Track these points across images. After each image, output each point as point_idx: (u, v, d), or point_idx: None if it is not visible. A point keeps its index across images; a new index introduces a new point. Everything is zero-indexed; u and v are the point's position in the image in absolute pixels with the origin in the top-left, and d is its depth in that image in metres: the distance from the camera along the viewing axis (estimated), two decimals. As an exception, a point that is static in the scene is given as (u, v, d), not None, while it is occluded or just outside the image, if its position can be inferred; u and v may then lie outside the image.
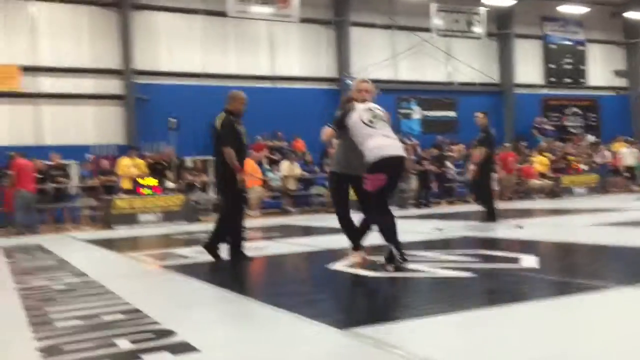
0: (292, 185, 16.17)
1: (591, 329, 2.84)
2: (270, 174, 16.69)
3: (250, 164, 16.71)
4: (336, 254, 6.05)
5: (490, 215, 9.17)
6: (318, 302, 3.85)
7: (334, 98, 20.48)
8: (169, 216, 13.36)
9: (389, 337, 2.76)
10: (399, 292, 4.22)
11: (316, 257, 6.31)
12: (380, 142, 4.79)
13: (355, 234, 5.27)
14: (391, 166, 4.78)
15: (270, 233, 9.67)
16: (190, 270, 5.50)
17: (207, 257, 6.13)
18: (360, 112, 4.92)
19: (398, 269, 4.54)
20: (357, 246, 5.24)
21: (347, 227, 5.28)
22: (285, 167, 16.30)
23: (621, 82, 25.82)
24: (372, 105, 5.07)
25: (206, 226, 12.53)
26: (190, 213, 13.95)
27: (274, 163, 17.32)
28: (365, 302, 3.94)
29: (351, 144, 5.00)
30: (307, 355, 2.60)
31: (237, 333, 3.07)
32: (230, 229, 6.07)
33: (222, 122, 5.95)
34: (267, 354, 2.65)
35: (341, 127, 5.03)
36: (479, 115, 9.61)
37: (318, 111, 20.05)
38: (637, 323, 2.89)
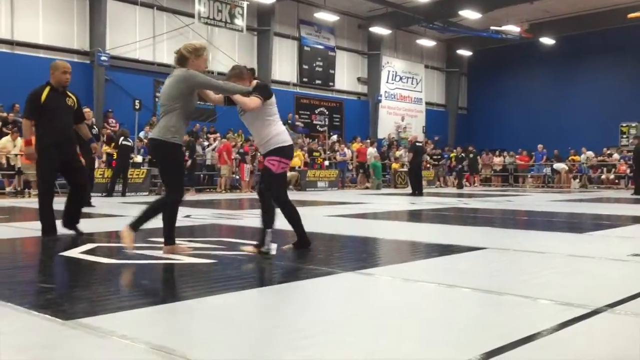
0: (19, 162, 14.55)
1: (315, 309, 3.07)
2: None
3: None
4: (71, 240, 5.61)
5: None
6: (43, 292, 3.51)
7: (84, 72, 19.02)
8: None
9: (118, 326, 2.62)
10: (138, 280, 4.06)
11: (48, 243, 5.75)
12: (284, 128, 4.99)
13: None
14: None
15: (-4, 216, 8.58)
16: None
17: None
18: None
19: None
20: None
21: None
22: (2, 143, 14.64)
23: (363, 89, 28.69)
24: None
25: None
26: None
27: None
28: (99, 291, 3.70)
29: (191, 112, 4.81)
30: (17, 348, 2.32)
31: None
32: (50, 202, 5.87)
33: (29, 94, 5.78)
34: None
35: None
36: None
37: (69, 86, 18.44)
38: (356, 303, 3.20)
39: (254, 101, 4.69)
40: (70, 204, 6.03)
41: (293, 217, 4.97)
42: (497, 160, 26.78)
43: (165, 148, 4.66)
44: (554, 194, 18.34)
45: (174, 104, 4.62)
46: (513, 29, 27.17)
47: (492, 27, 27.41)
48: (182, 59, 4.69)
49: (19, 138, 14.21)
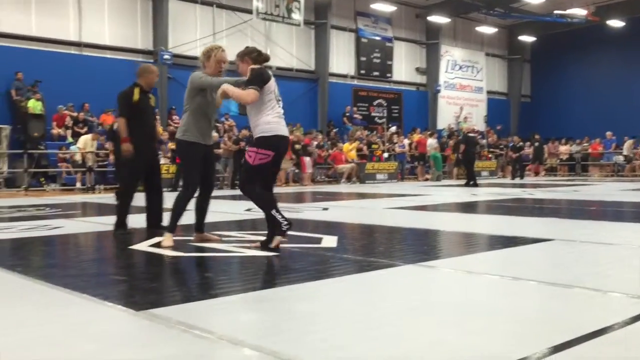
0: (91, 160, 15.20)
1: (378, 301, 3.08)
2: (73, 148, 15.58)
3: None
4: (140, 234, 5.83)
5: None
6: (115, 283, 3.67)
7: (148, 72, 19.58)
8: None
9: (187, 317, 2.71)
10: (204, 272, 4.18)
11: (118, 236, 5.98)
12: (278, 120, 4.68)
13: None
14: (281, 147, 4.70)
15: (68, 211, 9.01)
16: (-31, 250, 4.90)
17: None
18: (274, 81, 4.72)
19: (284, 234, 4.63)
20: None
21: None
22: (83, 141, 15.31)
23: (422, 79, 28.32)
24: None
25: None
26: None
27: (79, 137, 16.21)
28: (167, 283, 3.84)
29: (204, 110, 4.96)
30: (94, 337, 2.45)
31: (17, 316, 2.79)
32: (129, 200, 6.09)
33: (119, 94, 6.07)
34: (48, 337, 2.44)
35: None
36: None
37: (130, 84, 19.06)
38: (418, 295, 3.19)
39: (250, 95, 4.52)
40: (150, 204, 6.23)
41: (265, 203, 4.70)
42: (563, 148, 25.86)
43: (178, 145, 5.16)
44: (624, 182, 17.59)
45: (185, 105, 5.07)
46: (578, 12, 26.15)
47: (556, 11, 26.47)
48: (201, 64, 5.05)
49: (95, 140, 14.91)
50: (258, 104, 4.63)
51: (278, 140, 4.65)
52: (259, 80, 4.58)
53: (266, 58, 4.87)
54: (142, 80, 6.16)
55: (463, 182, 16.91)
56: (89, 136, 15.44)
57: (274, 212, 4.61)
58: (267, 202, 4.67)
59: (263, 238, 4.85)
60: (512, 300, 3.07)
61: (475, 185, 15.85)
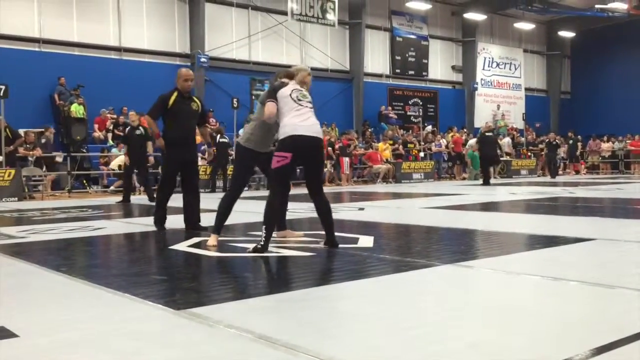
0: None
1: (416, 300, 3.06)
2: (115, 150, 15.91)
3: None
4: (179, 234, 5.92)
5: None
6: (155, 283, 3.74)
7: (185, 75, 19.83)
8: (-5, 192, 12.16)
9: (225, 316, 2.75)
10: (241, 272, 4.22)
11: (158, 237, 6.11)
12: (296, 121, 4.65)
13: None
14: (298, 146, 4.61)
15: (110, 212, 9.21)
16: (16, 250, 5.07)
17: (36, 237, 5.69)
18: (291, 88, 4.81)
19: (256, 250, 4.56)
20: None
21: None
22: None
23: (458, 77, 27.98)
24: (300, 87, 4.90)
25: (38, 204, 11.62)
26: (21, 189, 12.82)
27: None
28: (205, 283, 3.89)
29: (269, 124, 5.00)
30: (135, 335, 2.50)
31: (61, 316, 2.87)
32: (166, 197, 6.35)
33: (159, 96, 6.27)
34: (91, 336, 2.51)
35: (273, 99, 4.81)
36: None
37: (169, 87, 19.35)
38: (456, 296, 3.16)
39: (267, 109, 4.72)
40: (187, 205, 6.34)
41: (269, 215, 4.66)
42: (605, 146, 25.19)
43: (236, 149, 5.45)
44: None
45: (255, 115, 5.25)
46: (620, 5, 25.47)
47: (596, 5, 25.83)
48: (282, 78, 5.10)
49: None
50: (279, 113, 4.75)
51: (293, 141, 4.61)
52: (270, 93, 4.82)
53: (287, 74, 5.06)
54: (178, 84, 6.31)
55: (499, 181, 16.68)
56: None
57: (265, 228, 4.58)
58: (270, 217, 4.63)
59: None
60: (553, 301, 3.01)
61: (487, 184, 15.75)
